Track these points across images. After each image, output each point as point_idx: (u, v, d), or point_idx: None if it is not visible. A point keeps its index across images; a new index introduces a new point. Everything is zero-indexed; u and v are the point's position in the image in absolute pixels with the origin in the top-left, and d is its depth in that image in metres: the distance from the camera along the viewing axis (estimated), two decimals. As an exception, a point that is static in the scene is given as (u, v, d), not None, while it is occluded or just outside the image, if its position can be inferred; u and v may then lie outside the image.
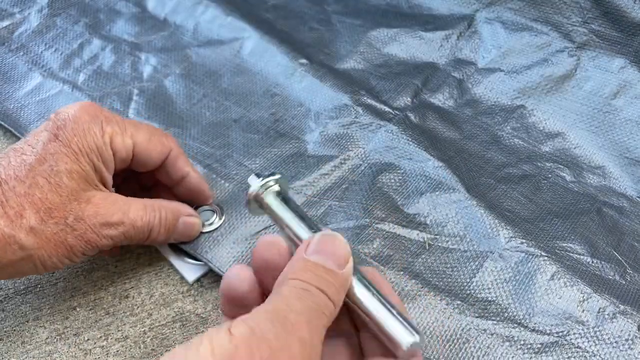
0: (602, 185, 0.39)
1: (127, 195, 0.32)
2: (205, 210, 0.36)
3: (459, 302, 0.31)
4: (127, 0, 0.52)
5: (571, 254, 0.34)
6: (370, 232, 0.35)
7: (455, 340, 0.30)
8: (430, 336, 0.30)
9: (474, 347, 0.30)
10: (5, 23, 0.50)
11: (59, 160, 0.29)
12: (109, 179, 0.31)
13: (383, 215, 0.36)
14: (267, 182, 0.27)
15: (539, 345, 0.30)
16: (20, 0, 0.51)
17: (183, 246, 0.35)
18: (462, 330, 0.30)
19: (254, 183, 0.27)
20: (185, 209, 0.34)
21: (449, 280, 0.33)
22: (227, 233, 0.35)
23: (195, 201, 0.35)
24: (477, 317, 0.31)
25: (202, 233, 0.35)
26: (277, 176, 0.27)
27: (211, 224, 0.35)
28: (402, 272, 0.33)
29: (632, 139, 0.41)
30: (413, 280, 0.32)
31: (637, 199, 0.38)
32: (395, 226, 0.35)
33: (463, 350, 0.30)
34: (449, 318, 0.31)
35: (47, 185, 0.28)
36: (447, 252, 0.34)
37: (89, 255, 0.31)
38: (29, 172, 0.28)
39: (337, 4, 0.52)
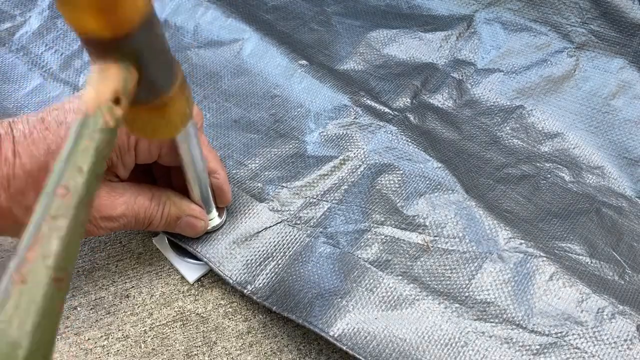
0: (601, 186, 0.39)
1: (139, 176, 0.32)
2: None
3: (457, 305, 0.32)
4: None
5: (570, 254, 0.34)
6: (369, 236, 0.35)
7: (453, 344, 0.30)
8: (428, 341, 0.30)
9: (472, 350, 0.30)
10: (6, 25, 0.50)
11: None
12: (124, 173, 0.31)
13: (382, 219, 0.36)
14: None
15: (538, 347, 0.30)
16: (21, 3, 0.51)
17: (184, 245, 0.35)
18: (461, 333, 0.30)
19: None
20: (192, 209, 0.33)
21: (448, 282, 0.33)
22: (227, 232, 0.35)
23: (215, 200, 0.35)
24: (475, 319, 0.31)
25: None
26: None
27: (211, 219, 0.35)
28: (400, 277, 0.33)
29: (631, 139, 0.41)
30: (411, 285, 0.32)
31: (636, 199, 0.38)
32: (394, 229, 0.35)
33: (461, 354, 0.30)
34: (447, 322, 0.31)
35: None
36: (446, 254, 0.34)
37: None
38: (44, 153, 0.28)
39: (336, 5, 0.52)
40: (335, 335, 0.30)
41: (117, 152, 0.29)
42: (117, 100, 0.19)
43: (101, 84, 0.19)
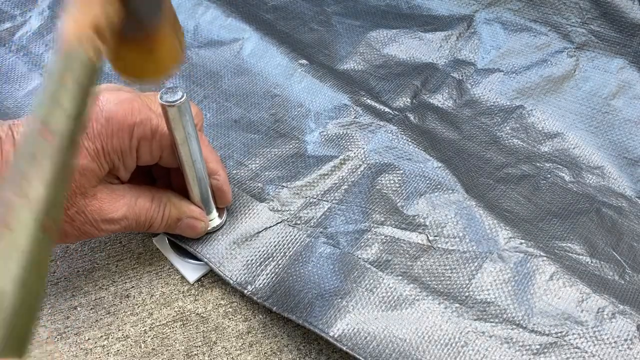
0: (601, 186, 0.39)
1: (138, 176, 0.32)
2: None
3: (457, 305, 0.31)
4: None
5: (570, 254, 0.34)
6: (369, 236, 0.35)
7: (453, 344, 0.30)
8: (428, 341, 0.30)
9: (472, 350, 0.30)
10: (7, 25, 0.50)
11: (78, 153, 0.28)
12: (125, 175, 0.31)
13: (382, 219, 0.36)
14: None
15: (538, 346, 0.30)
16: (22, 3, 0.51)
17: (184, 245, 0.35)
18: (461, 333, 0.30)
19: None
20: (192, 211, 0.33)
21: (448, 282, 0.33)
22: (227, 232, 0.35)
23: (215, 201, 0.35)
24: (475, 319, 0.31)
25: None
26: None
27: (212, 220, 0.35)
28: (400, 277, 0.33)
29: (631, 139, 0.41)
30: (412, 285, 0.32)
31: (636, 199, 0.38)
32: (395, 229, 0.35)
33: (461, 354, 0.30)
34: (447, 322, 0.31)
35: None
36: (447, 254, 0.34)
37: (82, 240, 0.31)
38: None
39: (336, 5, 0.52)
40: (335, 336, 0.30)
41: (119, 155, 0.29)
42: (99, 31, 0.18)
43: (81, 13, 0.18)
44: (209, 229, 0.34)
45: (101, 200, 0.30)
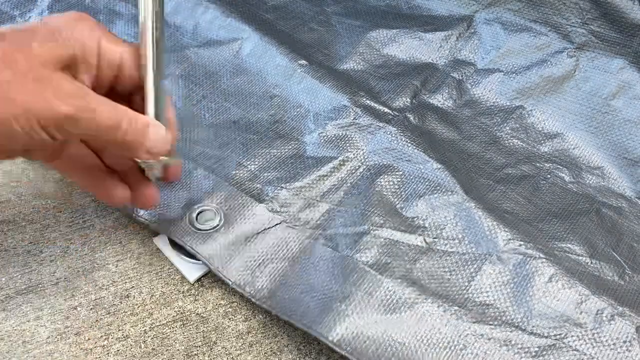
0: (601, 186, 0.39)
1: None
2: (206, 210, 0.36)
3: (456, 307, 0.31)
4: (127, 2, 0.52)
5: (570, 255, 0.34)
6: (368, 239, 0.35)
7: (452, 347, 0.30)
8: (427, 344, 0.30)
9: (471, 353, 0.30)
10: (6, 26, 0.50)
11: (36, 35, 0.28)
12: (86, 81, 0.29)
13: (381, 221, 0.36)
14: None
15: (537, 349, 0.30)
16: (21, 3, 0.51)
17: (184, 245, 0.35)
18: (460, 336, 0.30)
19: None
20: (142, 118, 0.30)
21: (447, 285, 0.33)
22: (226, 233, 0.35)
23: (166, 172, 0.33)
24: (474, 322, 0.31)
25: (202, 231, 0.35)
26: None
27: (212, 220, 0.35)
28: (399, 280, 0.33)
29: (631, 140, 0.41)
30: (411, 288, 0.32)
31: (636, 199, 0.38)
32: (394, 232, 0.35)
33: (461, 357, 0.30)
34: (446, 325, 0.31)
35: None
36: (446, 256, 0.34)
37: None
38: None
39: (336, 5, 0.52)
40: (335, 340, 0.30)
41: (80, 46, 0.28)
42: None
43: None
44: (208, 230, 0.34)
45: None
